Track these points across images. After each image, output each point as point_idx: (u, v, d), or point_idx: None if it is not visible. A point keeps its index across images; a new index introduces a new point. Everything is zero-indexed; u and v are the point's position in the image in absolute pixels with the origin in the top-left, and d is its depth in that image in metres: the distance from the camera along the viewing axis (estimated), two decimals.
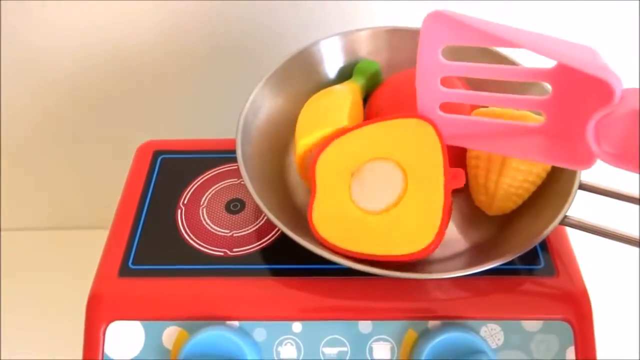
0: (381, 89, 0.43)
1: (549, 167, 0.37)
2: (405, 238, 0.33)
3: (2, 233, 0.69)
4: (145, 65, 0.56)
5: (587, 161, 0.31)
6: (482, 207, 0.38)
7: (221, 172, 0.43)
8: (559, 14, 0.55)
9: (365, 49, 0.45)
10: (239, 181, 0.42)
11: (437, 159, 0.34)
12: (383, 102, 0.42)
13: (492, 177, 0.37)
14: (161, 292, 0.36)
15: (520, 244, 0.34)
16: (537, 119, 0.36)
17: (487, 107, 0.38)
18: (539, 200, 0.37)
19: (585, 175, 0.36)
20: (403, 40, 0.45)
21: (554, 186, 0.37)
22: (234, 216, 0.40)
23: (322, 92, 0.42)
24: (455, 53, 0.38)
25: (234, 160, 0.37)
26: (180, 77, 0.58)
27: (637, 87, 0.30)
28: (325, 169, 0.37)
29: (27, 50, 0.55)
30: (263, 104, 0.41)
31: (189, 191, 0.42)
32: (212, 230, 0.39)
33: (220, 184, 0.42)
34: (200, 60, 0.56)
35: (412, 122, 0.35)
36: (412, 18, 0.51)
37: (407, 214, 0.34)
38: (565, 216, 0.35)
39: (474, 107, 0.39)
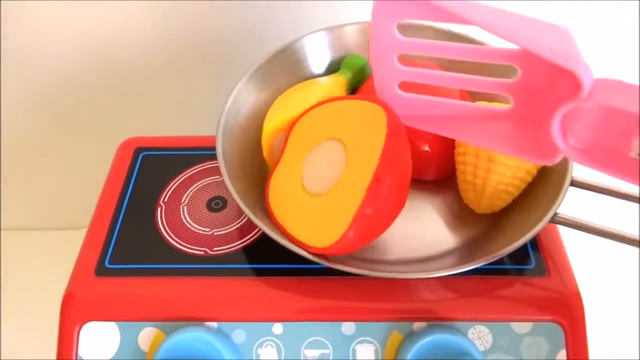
0: (366, 84, 0.42)
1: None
2: (319, 230, 0.31)
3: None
4: (132, 64, 0.55)
5: (551, 155, 0.29)
6: (471, 204, 0.37)
7: (203, 169, 0.42)
8: (558, 14, 0.54)
9: (351, 44, 0.44)
10: (221, 179, 0.41)
11: (377, 148, 0.31)
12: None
13: (479, 174, 0.36)
14: (138, 292, 0.35)
15: (509, 242, 0.33)
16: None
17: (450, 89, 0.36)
18: (529, 197, 0.36)
19: (578, 172, 0.35)
20: None
21: (545, 183, 0.36)
22: (216, 214, 0.39)
23: (303, 83, 0.41)
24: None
25: (217, 157, 0.36)
26: (167, 74, 0.57)
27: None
28: (289, 147, 0.36)
29: (17, 50, 0.54)
30: (246, 100, 0.40)
31: (170, 189, 0.41)
32: (193, 229, 0.38)
33: (202, 181, 0.41)
34: (186, 59, 0.55)
35: (368, 104, 0.34)
36: None
37: (330, 204, 0.32)
38: (556, 213, 0.34)
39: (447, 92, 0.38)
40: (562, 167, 0.35)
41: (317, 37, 0.43)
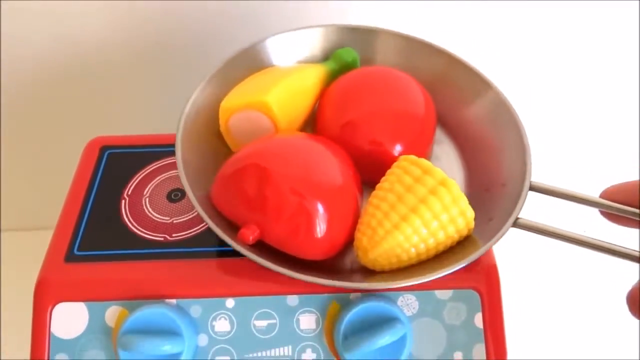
0: (332, 87, 0.43)
1: (453, 236, 0.36)
2: None
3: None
4: (96, 66, 0.58)
5: None
6: (357, 250, 0.36)
7: (164, 164, 0.46)
8: (559, 13, 0.56)
9: (309, 47, 0.46)
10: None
11: None
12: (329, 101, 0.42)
13: (385, 225, 0.34)
14: (104, 275, 0.39)
15: (472, 250, 0.35)
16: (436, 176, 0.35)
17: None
18: (490, 204, 0.38)
19: (537, 177, 0.38)
20: (354, 40, 0.46)
21: (502, 189, 0.38)
22: (175, 204, 0.43)
23: (281, 67, 0.43)
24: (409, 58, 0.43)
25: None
26: (131, 75, 0.59)
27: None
28: None
29: None
30: (205, 102, 0.42)
31: (134, 183, 0.44)
32: (154, 218, 0.42)
33: (163, 175, 0.45)
34: (152, 58, 0.58)
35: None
36: (369, 18, 0.54)
37: None
38: (517, 218, 0.36)
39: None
40: (520, 172, 0.38)
41: (276, 40, 0.45)
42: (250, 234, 0.34)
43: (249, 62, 0.44)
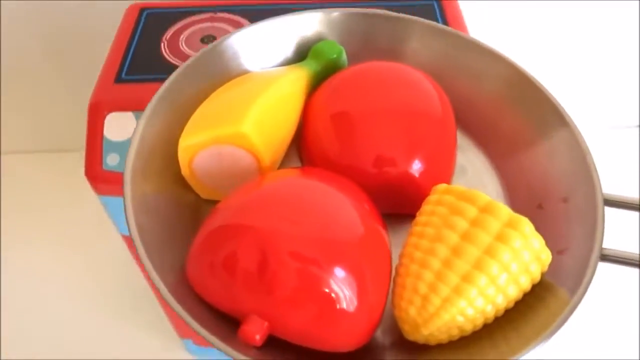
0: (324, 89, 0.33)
1: (517, 296, 0.27)
2: None
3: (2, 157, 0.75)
4: None
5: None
6: (403, 323, 0.27)
7: (200, 18, 0.52)
8: (559, 14, 0.57)
9: (288, 42, 0.37)
10: (213, 24, 0.51)
11: None
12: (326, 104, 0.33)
13: (441, 291, 0.25)
14: (148, 91, 0.44)
15: (552, 302, 0.26)
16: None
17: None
18: (551, 228, 0.28)
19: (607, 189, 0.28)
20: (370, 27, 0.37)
21: (564, 207, 0.29)
22: (207, 45, 0.49)
23: (242, 78, 0.33)
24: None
25: (211, 12, 0.43)
26: None
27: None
28: None
29: None
30: (157, 138, 0.32)
31: (171, 30, 0.51)
32: (189, 53, 0.48)
33: (198, 25, 0.51)
34: None
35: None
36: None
37: None
38: (603, 249, 0.26)
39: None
40: (589, 187, 0.28)
41: (235, 41, 0.35)
42: (256, 331, 0.24)
43: (205, 76, 0.34)
